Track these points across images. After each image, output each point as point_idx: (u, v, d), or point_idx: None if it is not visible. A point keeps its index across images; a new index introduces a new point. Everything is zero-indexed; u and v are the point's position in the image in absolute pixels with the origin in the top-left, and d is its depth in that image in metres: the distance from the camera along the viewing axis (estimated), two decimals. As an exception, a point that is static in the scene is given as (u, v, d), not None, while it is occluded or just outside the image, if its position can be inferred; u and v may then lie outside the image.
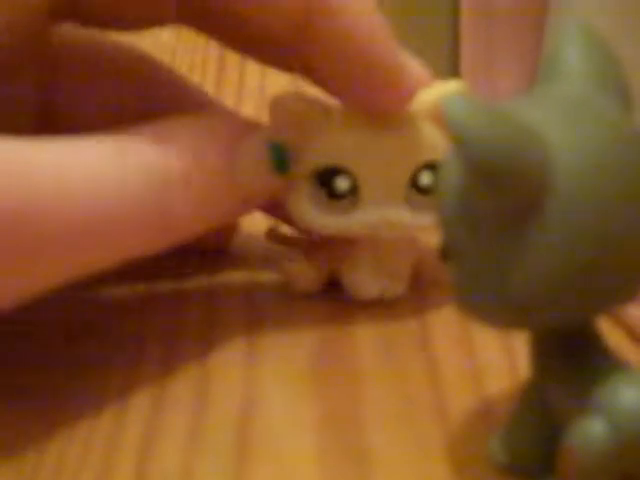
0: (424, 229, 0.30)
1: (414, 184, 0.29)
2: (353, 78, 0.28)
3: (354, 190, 0.29)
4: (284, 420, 0.26)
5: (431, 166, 0.29)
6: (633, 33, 0.34)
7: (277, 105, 0.29)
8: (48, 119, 0.31)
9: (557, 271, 0.20)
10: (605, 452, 0.20)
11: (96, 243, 0.25)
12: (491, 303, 0.21)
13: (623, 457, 0.20)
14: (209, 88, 0.43)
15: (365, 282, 0.30)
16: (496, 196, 0.20)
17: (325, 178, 0.29)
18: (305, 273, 0.31)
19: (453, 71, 0.37)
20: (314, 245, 0.31)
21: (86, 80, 0.32)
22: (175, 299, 0.32)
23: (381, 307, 0.30)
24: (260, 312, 0.31)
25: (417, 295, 0.31)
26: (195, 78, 0.38)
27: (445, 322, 0.30)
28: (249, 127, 0.28)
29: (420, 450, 0.25)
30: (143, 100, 0.32)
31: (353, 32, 0.27)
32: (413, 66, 0.29)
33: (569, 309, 0.20)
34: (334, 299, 0.31)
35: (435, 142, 0.29)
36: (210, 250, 0.33)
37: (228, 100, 0.42)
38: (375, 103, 0.28)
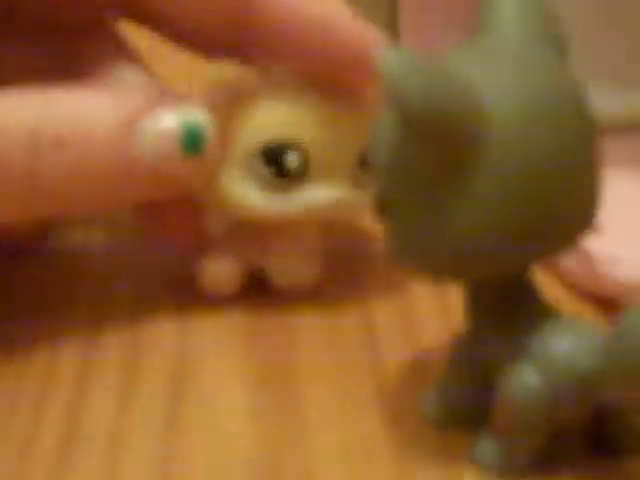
0: (362, 210, 0.28)
1: (363, 162, 0.27)
2: (305, 57, 0.27)
3: (303, 168, 0.27)
4: (217, 376, 0.26)
5: None
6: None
7: (215, 74, 0.27)
8: None
9: (492, 221, 0.20)
10: (538, 400, 0.21)
11: None
12: (427, 254, 0.21)
13: (555, 406, 0.21)
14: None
15: (296, 270, 0.28)
16: (431, 149, 0.20)
17: (274, 154, 0.27)
18: (226, 270, 0.28)
19: (391, 24, 0.37)
20: (233, 238, 0.29)
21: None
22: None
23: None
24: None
25: (351, 250, 0.31)
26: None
27: (380, 278, 0.30)
28: (163, 101, 0.26)
29: (354, 404, 0.25)
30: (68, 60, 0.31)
31: (302, 8, 0.26)
32: (372, 35, 0.27)
33: (504, 259, 0.21)
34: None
35: None
36: (19, 248, 0.30)
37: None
38: (335, 78, 0.27)
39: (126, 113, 0.26)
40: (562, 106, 0.20)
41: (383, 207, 0.21)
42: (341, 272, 0.30)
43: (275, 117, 0.27)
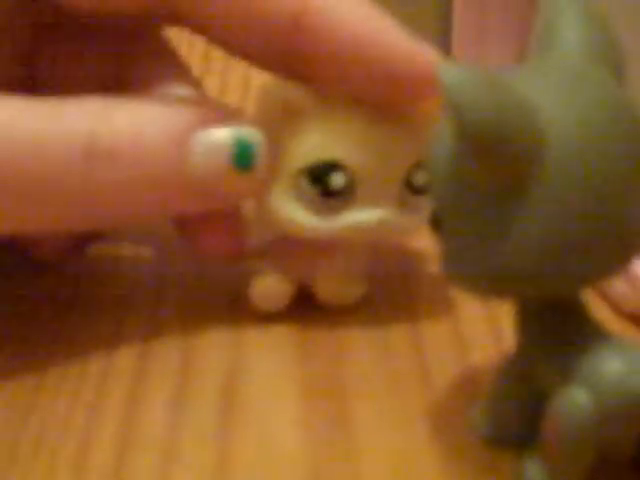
0: (411, 230, 0.28)
1: (408, 183, 0.27)
2: (356, 75, 0.27)
3: (349, 188, 0.27)
4: (268, 386, 0.26)
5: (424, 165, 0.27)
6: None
7: (266, 92, 0.27)
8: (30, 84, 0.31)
9: (542, 244, 0.20)
10: (588, 421, 0.21)
11: (14, 202, 0.25)
12: (477, 272, 0.21)
13: (605, 427, 0.21)
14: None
15: (343, 288, 0.29)
16: (486, 163, 0.20)
17: (319, 174, 0.27)
18: (275, 287, 0.28)
19: (445, 44, 0.37)
20: (281, 255, 0.29)
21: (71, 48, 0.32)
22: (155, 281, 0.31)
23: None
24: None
25: (402, 269, 0.31)
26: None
27: (431, 293, 0.30)
28: (217, 116, 0.27)
29: (403, 418, 0.25)
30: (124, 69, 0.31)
31: (347, 28, 0.26)
32: (425, 50, 0.27)
33: (558, 279, 0.20)
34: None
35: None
36: (48, 260, 0.31)
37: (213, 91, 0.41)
38: (387, 96, 0.27)
39: (179, 126, 0.26)
40: (620, 126, 0.20)
41: (438, 222, 0.21)
42: (392, 291, 0.30)
43: (322, 138, 0.27)
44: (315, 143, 0.27)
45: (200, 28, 0.29)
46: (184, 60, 0.32)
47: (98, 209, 0.26)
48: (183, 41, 0.33)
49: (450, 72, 0.19)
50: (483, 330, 0.28)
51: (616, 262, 0.21)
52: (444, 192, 0.21)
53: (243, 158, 0.26)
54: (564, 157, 0.19)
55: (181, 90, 0.30)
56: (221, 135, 0.26)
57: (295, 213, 0.27)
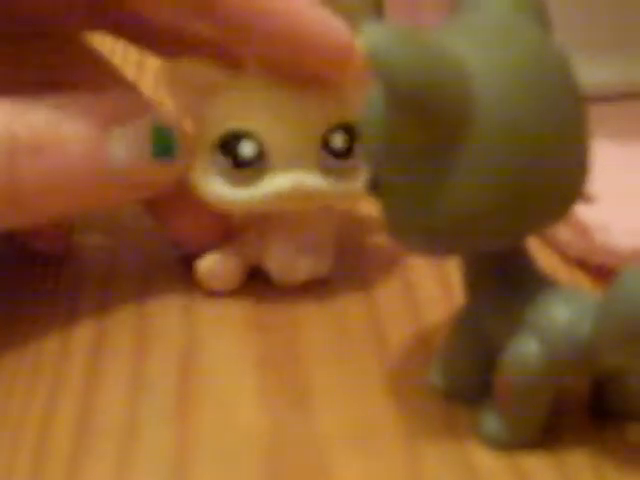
0: (345, 197, 0.28)
1: (327, 147, 0.27)
2: (271, 46, 0.27)
3: (261, 156, 0.27)
4: (224, 361, 0.26)
5: (344, 127, 0.27)
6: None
7: (174, 70, 0.27)
8: None
9: (483, 191, 0.20)
10: (538, 368, 0.21)
11: None
12: (419, 231, 0.21)
13: (555, 372, 0.21)
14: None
15: (291, 265, 0.28)
16: (420, 122, 0.20)
17: (228, 145, 0.27)
18: (224, 268, 0.29)
19: (377, 9, 0.37)
20: (228, 236, 0.29)
21: None
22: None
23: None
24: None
25: (351, 236, 0.31)
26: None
27: (382, 259, 0.30)
28: (134, 109, 0.27)
29: (360, 384, 0.25)
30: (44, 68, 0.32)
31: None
32: (339, 28, 0.27)
33: (498, 230, 0.21)
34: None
35: (347, 102, 0.28)
36: (45, 253, 0.31)
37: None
38: (303, 67, 0.27)
39: (97, 121, 0.26)
40: (545, 74, 0.20)
41: (377, 186, 0.21)
42: (344, 260, 0.30)
43: (229, 109, 0.27)
44: (223, 115, 0.27)
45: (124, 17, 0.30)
46: (116, 66, 0.33)
47: (28, 205, 0.26)
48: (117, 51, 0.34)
49: (375, 33, 0.19)
50: (435, 289, 0.28)
51: (555, 212, 0.21)
52: (379, 153, 0.21)
53: (162, 147, 0.27)
54: (491, 110, 0.20)
55: (103, 84, 0.31)
56: (139, 127, 0.27)
57: (213, 186, 0.27)
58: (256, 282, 0.29)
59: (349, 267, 0.30)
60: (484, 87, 0.20)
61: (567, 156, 0.21)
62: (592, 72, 0.30)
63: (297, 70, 0.27)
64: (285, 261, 0.28)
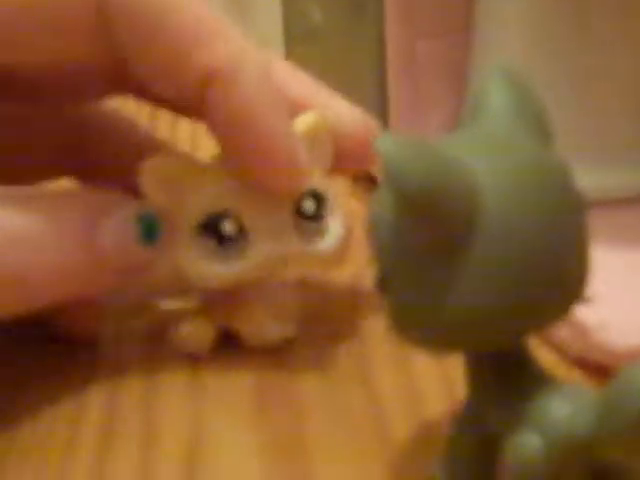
0: (319, 257, 0.30)
1: (300, 213, 0.29)
2: (243, 150, 0.29)
3: (242, 232, 0.29)
4: (230, 452, 0.27)
5: (311, 194, 0.30)
6: (558, 68, 0.36)
7: (148, 168, 0.29)
8: None
9: (483, 296, 0.21)
10: (539, 462, 0.21)
11: None
12: (424, 328, 0.22)
13: (556, 466, 0.22)
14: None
15: (264, 328, 0.31)
16: (427, 228, 0.21)
17: (211, 226, 0.29)
18: (197, 333, 0.31)
19: (382, 113, 0.38)
20: (203, 303, 0.31)
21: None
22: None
23: (319, 338, 0.31)
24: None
25: (353, 327, 0.32)
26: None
27: (383, 351, 0.31)
28: (118, 201, 0.29)
29: (363, 477, 0.25)
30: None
31: (244, 109, 0.28)
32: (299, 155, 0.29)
33: (497, 331, 0.21)
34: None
35: (310, 171, 0.30)
36: (79, 337, 0.33)
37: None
38: (264, 178, 0.29)
39: (86, 214, 0.28)
40: (547, 185, 0.21)
41: (382, 283, 0.22)
42: (341, 335, 0.32)
43: (205, 195, 0.29)
44: (200, 200, 0.29)
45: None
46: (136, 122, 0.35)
47: (20, 293, 0.27)
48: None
49: (386, 142, 0.20)
50: (436, 384, 0.29)
51: (556, 312, 0.22)
52: (386, 255, 0.22)
53: (148, 232, 0.29)
54: (495, 213, 0.20)
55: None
56: (126, 215, 0.29)
57: (198, 266, 0.29)
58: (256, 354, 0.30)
59: (350, 353, 0.31)
60: (488, 192, 0.21)
61: (569, 258, 0.21)
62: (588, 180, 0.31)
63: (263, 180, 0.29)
64: (255, 325, 0.30)
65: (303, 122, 0.30)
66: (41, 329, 0.32)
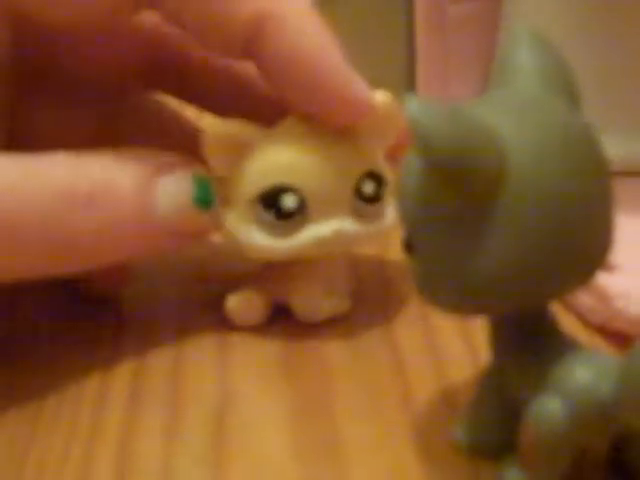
0: (372, 238, 0.30)
1: (358, 194, 0.29)
2: (302, 92, 0.28)
3: (301, 207, 0.28)
4: (258, 415, 0.27)
5: (372, 175, 0.29)
6: (585, 39, 0.36)
7: (210, 132, 0.29)
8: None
9: (511, 256, 0.21)
10: (561, 427, 0.22)
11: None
12: (451, 291, 0.22)
13: (577, 431, 0.22)
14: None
15: (316, 304, 0.30)
16: (451, 188, 0.21)
17: (271, 199, 0.28)
18: (250, 305, 0.30)
19: (410, 80, 0.38)
20: (256, 275, 0.31)
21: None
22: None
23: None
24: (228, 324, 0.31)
25: (379, 294, 0.33)
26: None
27: (408, 317, 0.31)
28: (176, 162, 0.29)
29: (389, 439, 0.26)
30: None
31: (301, 46, 0.28)
32: (360, 84, 0.29)
33: (523, 294, 0.21)
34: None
35: (372, 152, 0.30)
36: (100, 294, 0.33)
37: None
38: (326, 116, 0.29)
39: (144, 173, 0.28)
40: (574, 148, 0.21)
41: (410, 246, 0.22)
42: (368, 303, 0.31)
43: (268, 165, 0.28)
44: (263, 171, 0.28)
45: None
46: (174, 114, 0.35)
47: (76, 253, 0.27)
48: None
49: (416, 105, 0.20)
50: (460, 348, 0.29)
51: (580, 277, 0.22)
52: (414, 217, 0.22)
53: (203, 196, 0.28)
54: (522, 176, 0.21)
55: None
56: (182, 177, 0.28)
57: (254, 238, 0.29)
58: (283, 319, 0.31)
59: (376, 320, 0.31)
60: (515, 154, 0.21)
61: (592, 224, 0.21)
62: (615, 149, 0.31)
63: (322, 120, 0.29)
64: (310, 300, 0.30)
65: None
66: (61, 288, 0.33)
